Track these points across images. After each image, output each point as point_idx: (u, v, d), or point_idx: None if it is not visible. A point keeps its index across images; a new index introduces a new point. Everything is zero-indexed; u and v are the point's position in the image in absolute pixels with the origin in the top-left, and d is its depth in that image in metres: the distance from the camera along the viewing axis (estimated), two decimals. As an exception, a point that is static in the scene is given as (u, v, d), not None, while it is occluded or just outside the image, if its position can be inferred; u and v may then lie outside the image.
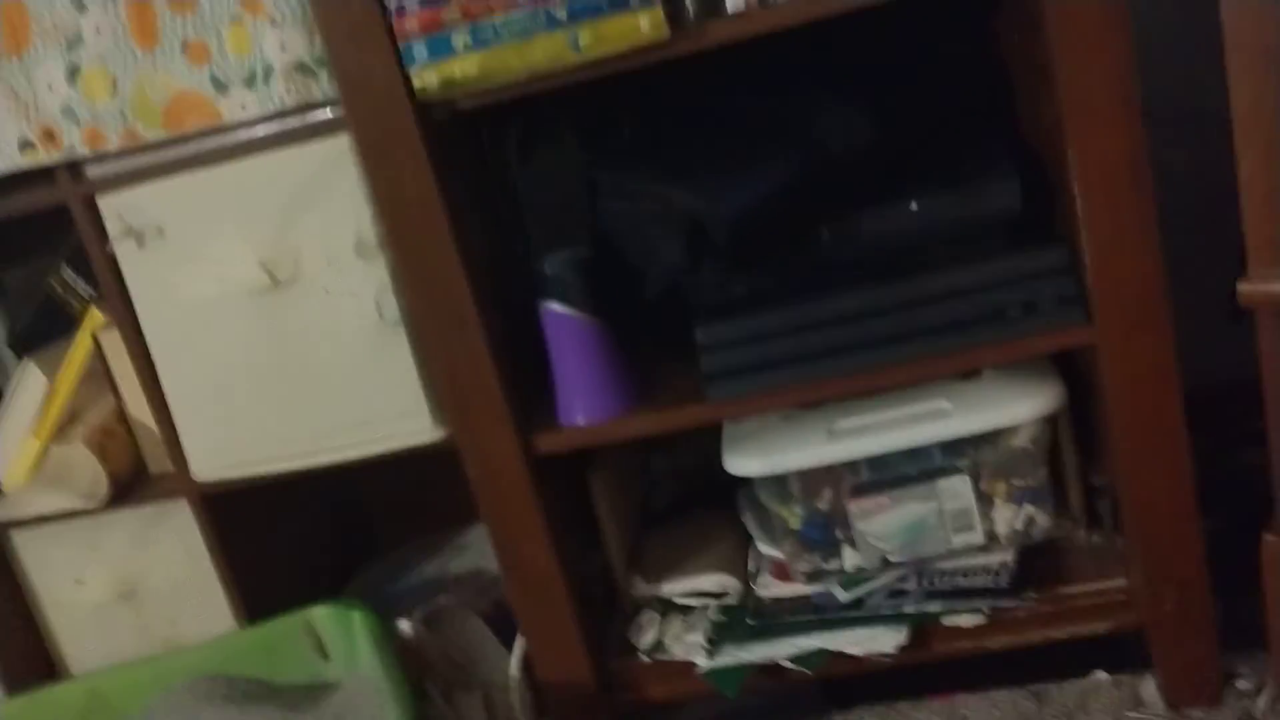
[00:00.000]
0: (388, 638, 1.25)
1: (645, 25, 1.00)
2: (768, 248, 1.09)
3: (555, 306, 1.13)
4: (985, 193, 1.08)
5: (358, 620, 1.23)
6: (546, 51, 1.02)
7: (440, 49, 1.04)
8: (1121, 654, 1.20)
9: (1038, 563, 1.19)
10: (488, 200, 1.26)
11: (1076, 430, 1.18)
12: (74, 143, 1.24)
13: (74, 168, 1.27)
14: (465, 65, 1.04)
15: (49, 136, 1.24)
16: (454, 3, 1.02)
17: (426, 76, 1.04)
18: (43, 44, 1.20)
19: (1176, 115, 1.29)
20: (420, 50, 1.04)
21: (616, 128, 1.28)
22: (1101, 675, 1.22)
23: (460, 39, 1.03)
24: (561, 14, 1.01)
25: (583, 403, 1.15)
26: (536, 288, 1.14)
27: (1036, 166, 1.12)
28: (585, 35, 1.01)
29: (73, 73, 1.21)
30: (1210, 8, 0.89)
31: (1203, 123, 1.21)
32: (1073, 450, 1.19)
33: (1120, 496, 1.12)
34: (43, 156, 1.25)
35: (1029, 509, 1.16)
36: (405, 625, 1.29)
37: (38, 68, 1.21)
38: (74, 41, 1.20)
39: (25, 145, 1.25)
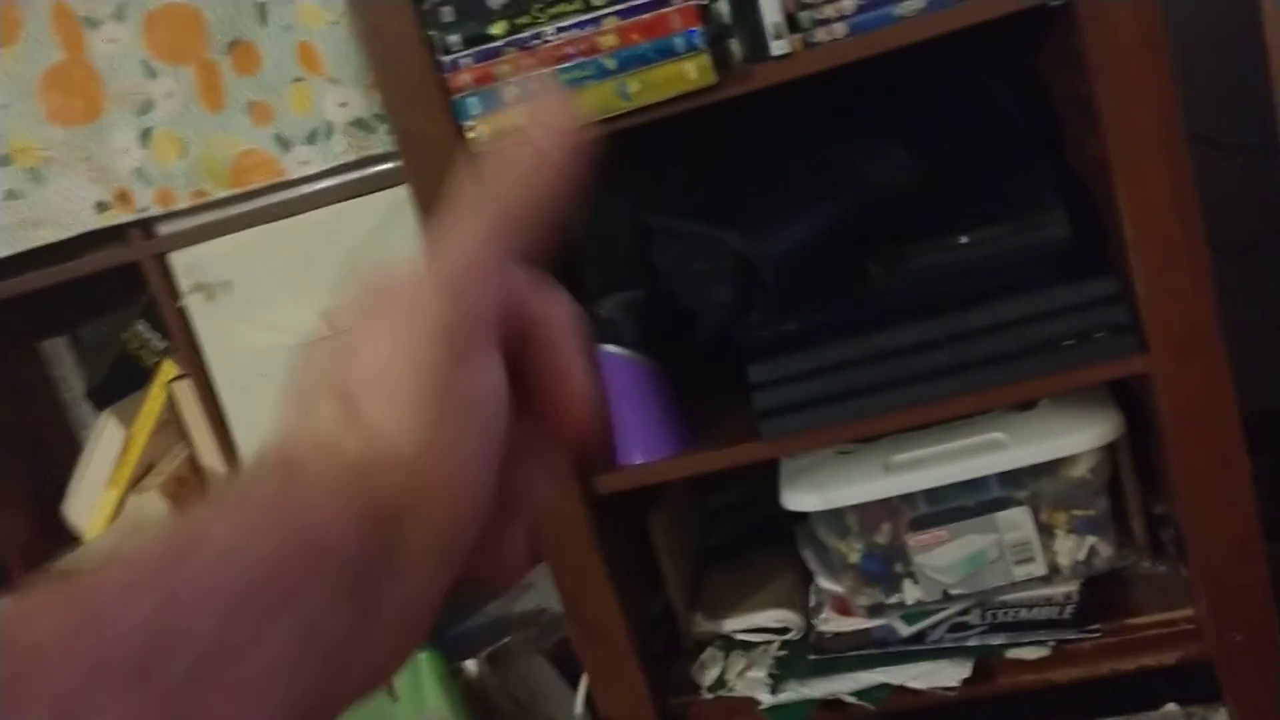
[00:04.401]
0: (454, 678, 1.27)
1: (692, 71, 1.03)
2: (818, 285, 1.10)
3: (610, 349, 1.15)
4: (1034, 224, 1.08)
5: (425, 662, 1.25)
6: (596, 101, 1.05)
7: (493, 102, 1.07)
8: (1192, 685, 1.18)
9: (1102, 593, 1.18)
10: (543, 246, 1.28)
11: (1137, 458, 1.17)
12: (146, 203, 1.29)
13: (146, 226, 1.32)
14: (517, 117, 1.07)
15: (122, 198, 1.29)
16: (505, 57, 1.06)
17: (480, 129, 1.08)
18: (116, 110, 1.26)
19: (1226, 141, 1.28)
20: (474, 104, 1.07)
21: (667, 173, 1.31)
22: (1172, 707, 1.20)
23: (512, 92, 1.06)
24: (611, 64, 1.04)
25: (640, 442, 1.17)
26: (591, 331, 1.16)
27: (1085, 197, 1.13)
28: (634, 84, 1.04)
29: (144, 136, 1.26)
30: (1255, 35, 0.89)
31: (1255, 148, 1.21)
32: (1134, 479, 1.18)
33: (1182, 525, 1.11)
34: (117, 217, 1.31)
35: (1091, 539, 1.15)
36: (471, 666, 1.31)
37: (112, 133, 1.27)
38: (145, 107, 1.25)
39: (101, 206, 1.30)
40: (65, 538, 1.53)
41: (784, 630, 1.28)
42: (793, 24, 1.02)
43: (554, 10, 1.04)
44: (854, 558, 1.19)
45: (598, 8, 1.03)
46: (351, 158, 1.22)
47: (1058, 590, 1.18)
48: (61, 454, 1.56)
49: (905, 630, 1.19)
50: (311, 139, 1.22)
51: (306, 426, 0.29)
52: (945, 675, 1.15)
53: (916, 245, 1.10)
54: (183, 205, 1.29)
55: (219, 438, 1.37)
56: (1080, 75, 1.01)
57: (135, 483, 1.47)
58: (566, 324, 0.35)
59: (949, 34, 0.99)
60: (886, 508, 1.16)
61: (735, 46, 1.05)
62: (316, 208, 1.25)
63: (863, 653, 1.20)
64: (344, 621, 0.26)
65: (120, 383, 1.54)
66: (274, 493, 0.27)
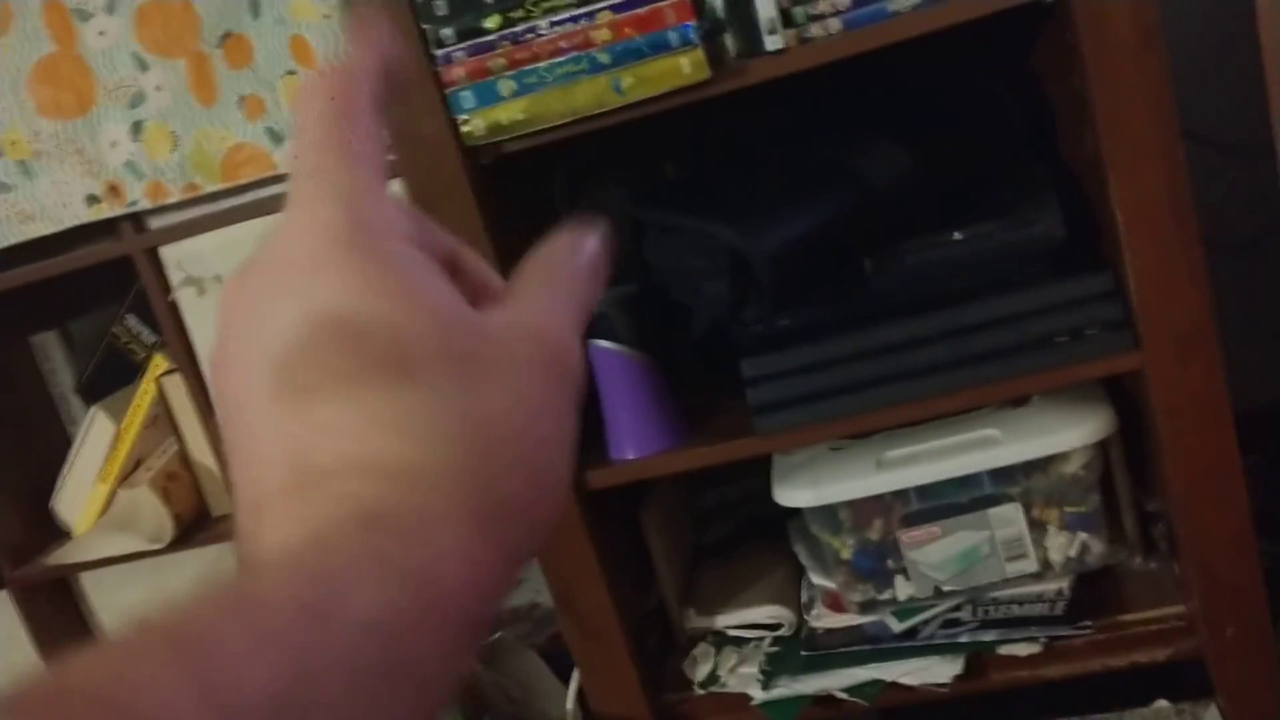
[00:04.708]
0: (446, 674, 1.27)
1: (686, 66, 1.03)
2: (812, 281, 1.10)
3: (603, 344, 1.15)
4: (1028, 220, 1.08)
5: (416, 657, 1.25)
6: (589, 95, 1.04)
7: (486, 96, 1.07)
8: (1183, 681, 1.19)
9: (1094, 590, 1.19)
10: (535, 241, 1.28)
11: (1129, 455, 1.18)
12: (137, 196, 1.28)
13: (137, 220, 1.31)
14: (511, 111, 1.06)
15: (113, 191, 1.29)
16: (499, 50, 1.05)
17: (474, 123, 1.07)
18: (107, 103, 1.25)
19: (1222, 140, 1.29)
20: (467, 98, 1.07)
21: (661, 168, 1.30)
22: (1163, 703, 1.20)
23: (506, 85, 1.06)
24: (604, 58, 1.04)
25: (632, 437, 1.17)
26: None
27: (1079, 194, 1.13)
28: (627, 78, 1.03)
29: (135, 129, 1.26)
30: (1249, 33, 0.89)
31: (1249, 147, 1.21)
32: (1125, 476, 1.18)
33: (1175, 522, 1.11)
34: (107, 210, 1.30)
35: (1082, 536, 1.16)
36: (462, 661, 1.31)
37: (102, 126, 1.26)
38: (136, 100, 1.25)
39: (91, 200, 1.30)
40: (55, 532, 1.53)
41: (776, 626, 1.28)
42: (787, 19, 1.02)
43: (547, 4, 1.03)
44: (846, 554, 1.19)
45: (591, 1, 1.02)
46: (344, 152, 1.21)
47: (1049, 587, 1.18)
48: (51, 448, 1.55)
49: (897, 626, 1.19)
50: (304, 133, 1.22)
51: (439, 465, 0.26)
52: (937, 671, 1.16)
53: (911, 241, 1.10)
54: (174, 199, 1.28)
55: (209, 432, 1.37)
56: (1075, 73, 1.01)
57: (125, 477, 1.46)
58: None
59: (944, 31, 0.98)
60: (879, 504, 1.16)
61: (730, 41, 1.05)
62: (308, 202, 1.25)
63: (855, 649, 1.20)
64: (452, 673, 0.25)
65: (110, 377, 1.54)
66: (415, 559, 0.24)
